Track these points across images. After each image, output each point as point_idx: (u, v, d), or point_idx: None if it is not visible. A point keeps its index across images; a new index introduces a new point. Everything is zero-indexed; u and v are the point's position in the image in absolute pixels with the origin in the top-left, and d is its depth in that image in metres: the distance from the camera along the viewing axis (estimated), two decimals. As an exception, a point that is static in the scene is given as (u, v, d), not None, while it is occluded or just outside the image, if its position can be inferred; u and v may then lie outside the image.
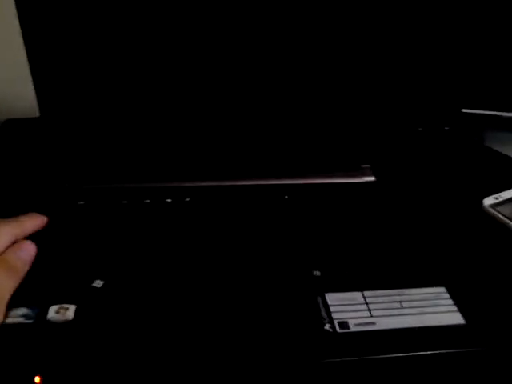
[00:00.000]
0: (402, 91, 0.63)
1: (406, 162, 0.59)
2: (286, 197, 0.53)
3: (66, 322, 0.39)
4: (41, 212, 0.46)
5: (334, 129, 0.60)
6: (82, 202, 0.51)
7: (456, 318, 0.41)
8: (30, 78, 0.56)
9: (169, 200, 0.52)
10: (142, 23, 0.55)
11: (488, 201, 0.54)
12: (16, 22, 0.53)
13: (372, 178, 0.56)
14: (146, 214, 0.51)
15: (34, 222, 0.44)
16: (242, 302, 0.42)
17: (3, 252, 0.40)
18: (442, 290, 0.44)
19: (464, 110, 0.64)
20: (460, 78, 0.63)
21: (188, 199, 0.52)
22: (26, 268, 0.41)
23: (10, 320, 0.39)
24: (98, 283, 0.43)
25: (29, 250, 0.42)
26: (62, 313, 0.40)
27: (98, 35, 0.55)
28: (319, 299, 0.42)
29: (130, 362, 0.37)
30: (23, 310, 0.40)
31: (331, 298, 0.43)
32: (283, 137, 0.59)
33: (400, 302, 0.43)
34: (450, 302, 0.43)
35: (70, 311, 0.40)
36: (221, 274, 0.44)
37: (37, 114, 0.57)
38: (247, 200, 0.53)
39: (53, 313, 0.40)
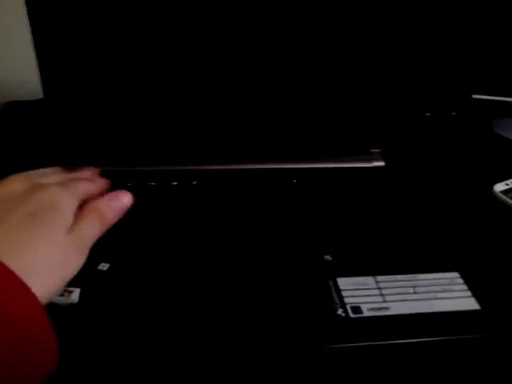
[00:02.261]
0: (411, 76, 0.62)
1: (416, 148, 0.58)
2: (295, 181, 0.52)
3: (71, 305, 0.38)
4: None
5: (344, 113, 0.59)
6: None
7: (470, 304, 0.40)
8: (34, 61, 0.54)
9: (175, 183, 0.51)
10: (145, 9, 0.53)
11: (499, 187, 0.54)
12: (22, 5, 0.51)
13: (382, 163, 0.55)
14: (152, 197, 0.50)
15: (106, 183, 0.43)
16: (252, 288, 0.41)
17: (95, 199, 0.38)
18: (456, 275, 0.43)
19: (474, 96, 0.63)
20: (470, 63, 0.62)
21: (195, 182, 0.51)
22: (116, 218, 0.39)
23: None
24: (104, 266, 0.42)
25: (124, 200, 0.40)
26: (66, 295, 0.39)
27: (102, 17, 0.53)
28: (331, 284, 0.41)
29: (134, 346, 0.36)
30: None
31: (343, 282, 0.42)
32: (293, 121, 0.57)
33: (413, 287, 0.42)
34: (464, 287, 0.42)
35: (75, 294, 0.39)
36: (230, 258, 0.43)
37: (40, 96, 0.56)
38: (256, 184, 0.52)
39: (58, 296, 0.39)
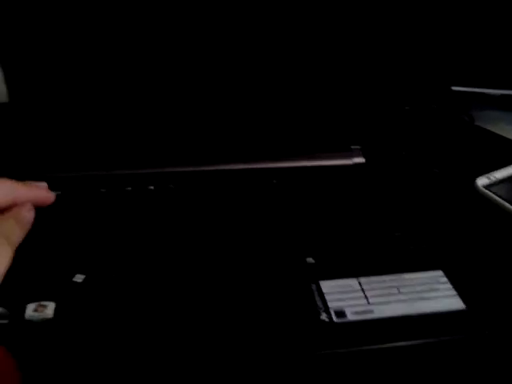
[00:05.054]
0: (389, 69, 0.61)
1: (396, 143, 0.58)
2: (275, 181, 0.51)
3: (45, 321, 0.37)
4: None
5: (322, 109, 0.58)
6: (58, 192, 0.48)
7: (455, 303, 0.40)
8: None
9: (151, 187, 0.49)
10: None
11: (481, 181, 0.53)
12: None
13: (362, 160, 0.54)
14: (128, 203, 0.48)
15: (38, 192, 0.40)
16: (233, 293, 0.40)
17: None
18: (440, 273, 0.42)
19: (454, 88, 0.63)
20: (448, 54, 0.61)
21: (172, 186, 0.50)
22: (28, 227, 0.36)
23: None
24: (79, 278, 0.40)
25: (32, 212, 0.37)
26: (40, 311, 0.37)
27: (68, 16, 0.51)
28: (314, 287, 0.40)
29: (113, 361, 0.35)
30: (-2, 309, 0.37)
31: (326, 285, 0.41)
32: (270, 119, 0.56)
33: (397, 287, 0.41)
34: (449, 285, 0.41)
35: (50, 309, 0.37)
36: (210, 263, 0.42)
37: (5, 99, 0.54)
38: (234, 185, 0.51)
39: (31, 311, 0.37)
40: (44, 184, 0.40)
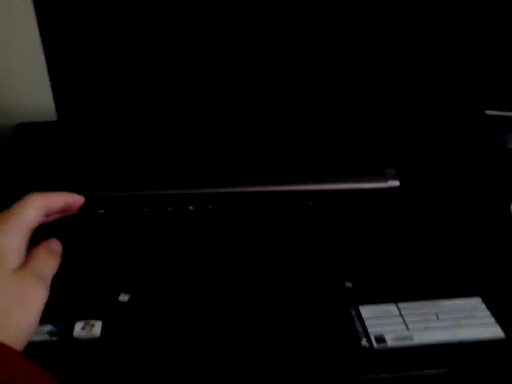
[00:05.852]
0: (423, 92, 0.61)
1: (430, 166, 0.58)
2: (311, 203, 0.52)
3: (93, 339, 0.38)
4: (58, 223, 0.44)
5: (357, 132, 0.58)
6: (101, 211, 0.50)
7: (495, 331, 0.40)
8: (47, 83, 0.54)
9: (191, 207, 0.50)
10: (159, 34, 0.53)
11: (516, 206, 0.53)
12: (36, 29, 0.51)
13: (397, 183, 0.55)
14: (169, 222, 0.49)
15: (67, 196, 0.39)
16: (273, 317, 0.40)
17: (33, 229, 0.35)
18: (478, 300, 0.43)
19: (487, 112, 0.63)
20: (482, 78, 0.62)
21: (210, 206, 0.51)
22: (59, 258, 0.37)
23: (34, 337, 0.37)
24: (124, 297, 0.41)
25: (59, 245, 0.37)
26: (88, 329, 0.38)
27: (116, 41, 0.53)
28: (353, 312, 0.41)
29: (159, 378, 0.36)
30: (48, 327, 0.38)
31: (365, 310, 0.41)
32: (307, 141, 0.57)
33: (436, 313, 0.41)
34: (487, 313, 0.41)
35: (97, 328, 0.39)
36: (250, 285, 0.43)
37: (53, 117, 0.56)
38: (271, 207, 0.51)
39: (79, 330, 0.38)
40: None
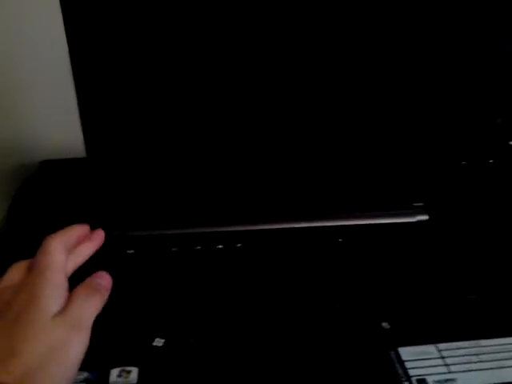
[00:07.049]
0: (447, 124, 0.61)
1: (457, 199, 0.58)
2: (340, 240, 0.51)
3: (130, 386, 0.37)
4: (87, 264, 0.43)
5: (382, 167, 0.58)
6: (131, 251, 0.49)
7: (539, 372, 0.39)
8: (77, 120, 0.54)
9: (220, 246, 0.50)
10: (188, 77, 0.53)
11: (547, 238, 0.53)
12: (67, 62, 0.51)
13: (425, 217, 0.54)
14: (198, 261, 0.49)
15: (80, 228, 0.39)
16: (310, 362, 0.39)
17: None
18: (519, 339, 0.42)
19: (511, 143, 0.63)
20: (506, 109, 0.62)
21: (239, 245, 0.50)
22: (107, 294, 0.36)
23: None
24: (159, 341, 0.41)
25: (106, 277, 0.37)
26: (124, 376, 0.38)
27: (147, 81, 0.53)
28: (393, 354, 0.40)
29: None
30: (84, 375, 0.38)
31: (405, 352, 0.40)
32: (332, 177, 0.57)
33: (477, 354, 0.40)
34: (530, 353, 0.41)
35: (133, 374, 0.38)
36: (284, 327, 0.42)
37: (81, 154, 0.56)
38: (301, 244, 0.51)
39: (115, 376, 0.38)
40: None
